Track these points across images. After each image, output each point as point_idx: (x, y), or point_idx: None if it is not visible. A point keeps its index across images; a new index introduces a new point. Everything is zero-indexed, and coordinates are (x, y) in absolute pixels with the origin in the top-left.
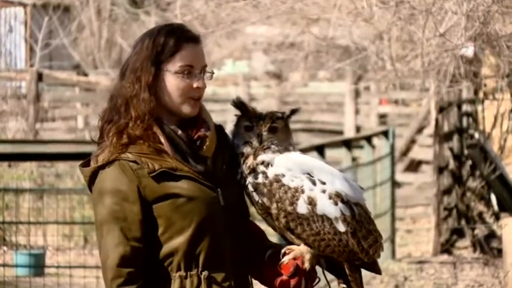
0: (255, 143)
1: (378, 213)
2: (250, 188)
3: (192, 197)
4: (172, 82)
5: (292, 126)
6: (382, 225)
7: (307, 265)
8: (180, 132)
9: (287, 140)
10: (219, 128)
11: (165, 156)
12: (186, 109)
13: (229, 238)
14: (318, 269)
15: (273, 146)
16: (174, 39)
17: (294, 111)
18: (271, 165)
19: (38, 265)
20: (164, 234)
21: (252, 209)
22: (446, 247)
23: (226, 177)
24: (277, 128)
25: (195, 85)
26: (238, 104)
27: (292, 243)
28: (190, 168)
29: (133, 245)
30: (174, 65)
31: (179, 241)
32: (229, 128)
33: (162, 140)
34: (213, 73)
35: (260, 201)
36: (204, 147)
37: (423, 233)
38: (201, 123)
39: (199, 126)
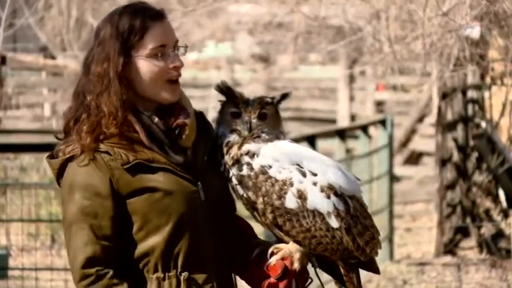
0: (244, 131)
1: (374, 210)
2: (234, 181)
3: (170, 191)
4: (146, 67)
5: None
6: (379, 223)
7: (296, 265)
8: (156, 119)
9: (277, 127)
10: (200, 116)
11: (141, 146)
12: (165, 95)
13: (211, 236)
14: (311, 269)
15: (263, 135)
16: (140, 21)
17: (284, 96)
18: (257, 156)
19: (0, 267)
20: (140, 232)
21: (240, 204)
22: (449, 247)
23: (208, 170)
24: (266, 114)
25: (171, 65)
26: (224, 88)
27: (281, 241)
28: (168, 159)
29: (104, 244)
30: (145, 49)
31: (156, 239)
32: (210, 116)
33: (137, 128)
34: (187, 47)
35: (245, 195)
36: (183, 137)
37: (424, 232)
38: (179, 111)
39: (178, 114)
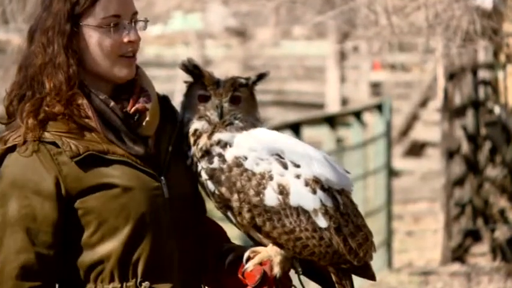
0: (214, 117)
1: (369, 210)
2: (204, 176)
3: (128, 187)
4: (96, 39)
5: (259, 98)
6: (376, 226)
7: (276, 271)
8: (112, 103)
9: (253, 113)
10: (164, 100)
11: (93, 135)
12: (119, 71)
13: (177, 239)
14: (294, 275)
15: (236, 122)
16: None
17: (261, 76)
18: (230, 146)
19: None
20: (93, 236)
21: (212, 204)
22: (458, 254)
23: (174, 163)
24: (240, 97)
25: (125, 39)
26: (190, 67)
27: (260, 245)
28: (125, 150)
29: (41, 252)
30: (95, 18)
31: (113, 244)
32: (178, 100)
33: (89, 113)
34: (147, 21)
35: (217, 191)
36: (144, 124)
37: (428, 236)
38: (139, 94)
39: (137, 97)
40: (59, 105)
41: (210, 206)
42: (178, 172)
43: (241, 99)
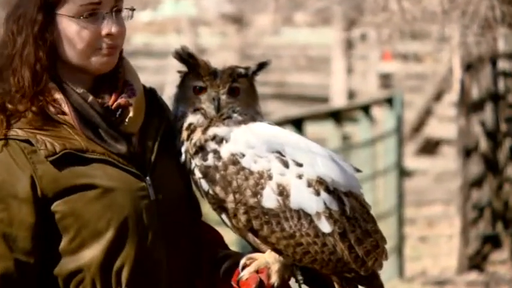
0: (210, 110)
1: (379, 214)
2: (198, 174)
3: (110, 187)
4: (72, 30)
5: (258, 90)
6: (386, 231)
7: (274, 279)
8: (91, 98)
9: (252, 106)
10: (150, 93)
11: (71, 132)
12: (96, 62)
13: (165, 245)
14: (294, 284)
15: (235, 115)
16: None
17: (262, 66)
18: (226, 141)
19: None
20: (73, 242)
21: (207, 206)
22: (476, 261)
23: (162, 161)
24: (239, 89)
25: (104, 31)
26: (185, 55)
27: (257, 251)
28: (106, 148)
29: (20, 259)
30: (72, 6)
31: (94, 250)
32: (167, 94)
33: (66, 109)
34: (133, 10)
35: (211, 191)
36: (127, 120)
37: (443, 242)
38: (122, 87)
39: (120, 91)
40: (24, 102)
41: (206, 209)
42: (167, 171)
43: (240, 91)
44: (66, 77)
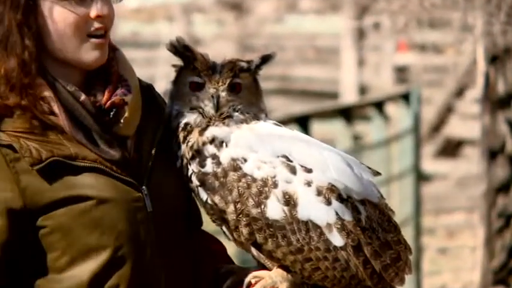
0: (209, 109)
1: None
2: (195, 181)
3: (102, 199)
4: (58, 15)
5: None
6: None
7: None
8: (83, 97)
9: (256, 103)
10: (147, 90)
11: (59, 136)
12: (86, 55)
13: (163, 261)
14: None
15: (236, 114)
16: None
17: (266, 59)
18: (226, 144)
19: None
20: (60, 260)
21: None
22: (501, 276)
23: (159, 168)
24: (240, 85)
25: (93, 13)
26: (180, 48)
27: (263, 267)
28: (98, 154)
29: None
30: None
31: (85, 268)
32: (159, 88)
33: (56, 109)
34: None
35: (210, 201)
36: (122, 121)
37: (465, 254)
38: (116, 83)
39: (114, 87)
40: (12, 95)
41: (206, 219)
42: (165, 180)
43: (242, 87)
44: (55, 72)
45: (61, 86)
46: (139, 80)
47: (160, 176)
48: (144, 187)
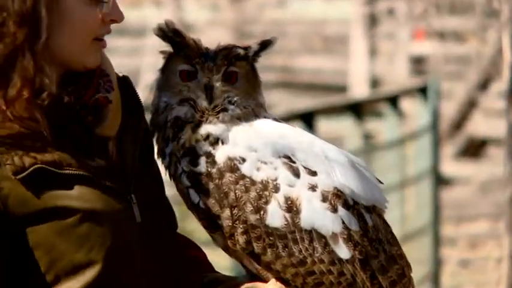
0: (201, 100)
1: (409, 232)
2: (185, 182)
3: (89, 211)
4: (79, 14)
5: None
6: (418, 253)
7: None
8: (66, 99)
9: (254, 95)
10: (124, 83)
11: (42, 142)
12: (90, 58)
13: (151, 277)
14: None
15: (231, 107)
16: None
17: (265, 45)
18: (223, 142)
19: None
20: (43, 278)
21: (192, 223)
22: None
23: (143, 171)
24: (237, 74)
25: (108, 17)
26: (169, 32)
27: (256, 278)
28: (83, 161)
29: None
30: None
31: (71, 286)
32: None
33: (36, 114)
34: None
35: (202, 204)
36: (104, 122)
37: (490, 267)
38: (98, 78)
39: (96, 84)
40: (23, 103)
41: (193, 225)
42: (151, 184)
43: (239, 77)
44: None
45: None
46: (117, 74)
47: (145, 181)
48: (132, 195)
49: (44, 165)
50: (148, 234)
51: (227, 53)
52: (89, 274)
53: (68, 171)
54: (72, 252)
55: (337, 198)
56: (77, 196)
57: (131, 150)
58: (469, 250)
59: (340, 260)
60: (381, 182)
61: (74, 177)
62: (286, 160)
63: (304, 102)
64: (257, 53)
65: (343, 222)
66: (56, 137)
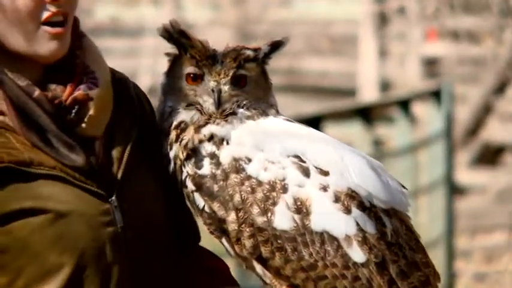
0: (209, 105)
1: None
2: (190, 186)
3: (62, 212)
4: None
5: None
6: None
7: None
8: (37, 93)
9: (265, 98)
10: (121, 83)
11: (11, 138)
12: (42, 46)
13: (137, 284)
14: None
15: (241, 111)
16: None
17: (276, 46)
18: (227, 142)
19: None
20: (14, 283)
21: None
22: None
23: (135, 174)
24: (246, 77)
25: None
26: (175, 33)
27: (266, 285)
28: (57, 160)
29: None
30: None
31: None
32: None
33: (4, 107)
34: None
35: (207, 208)
36: (86, 120)
37: (506, 280)
38: (81, 75)
39: (77, 81)
40: None
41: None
42: (143, 189)
43: (248, 80)
44: (6, 64)
45: (10, 81)
46: (113, 72)
47: (136, 185)
48: (113, 198)
49: (12, 164)
50: (135, 241)
51: (236, 55)
52: (59, 278)
53: (38, 171)
54: (45, 256)
55: (351, 199)
56: (48, 196)
57: (119, 152)
58: (485, 263)
59: (354, 263)
60: (405, 187)
61: (45, 176)
62: (295, 159)
63: (310, 107)
64: (267, 55)
65: (358, 224)
66: (29, 133)
